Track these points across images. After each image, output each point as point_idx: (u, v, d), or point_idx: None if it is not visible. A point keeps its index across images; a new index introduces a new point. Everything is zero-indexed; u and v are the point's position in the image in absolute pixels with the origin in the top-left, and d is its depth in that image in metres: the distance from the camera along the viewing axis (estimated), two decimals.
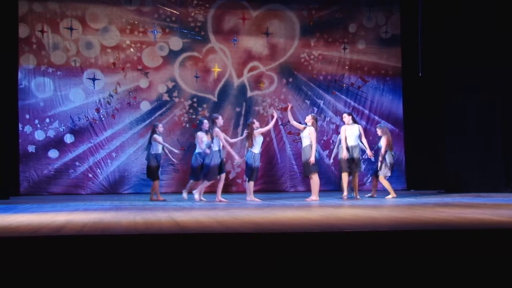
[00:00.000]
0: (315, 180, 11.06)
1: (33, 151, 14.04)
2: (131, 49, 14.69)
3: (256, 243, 5.07)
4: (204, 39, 15.09)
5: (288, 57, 15.53)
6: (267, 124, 12.15)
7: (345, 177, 11.37)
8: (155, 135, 11.65)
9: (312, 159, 10.90)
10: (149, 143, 11.76)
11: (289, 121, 11.71)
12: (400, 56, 15.69)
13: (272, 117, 11.64)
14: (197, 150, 11.41)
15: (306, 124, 11.31)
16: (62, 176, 14.15)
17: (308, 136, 11.07)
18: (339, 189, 14.25)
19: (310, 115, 11.49)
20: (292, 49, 15.54)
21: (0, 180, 12.16)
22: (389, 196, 11.43)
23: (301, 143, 11.37)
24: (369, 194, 12.12)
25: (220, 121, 10.90)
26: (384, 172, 11.49)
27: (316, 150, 11.06)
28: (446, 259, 5.04)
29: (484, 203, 9.46)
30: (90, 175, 14.32)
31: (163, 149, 11.76)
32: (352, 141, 11.39)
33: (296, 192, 13.58)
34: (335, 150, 12.15)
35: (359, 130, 11.53)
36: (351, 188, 11.53)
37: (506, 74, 12.73)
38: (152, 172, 11.72)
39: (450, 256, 5.07)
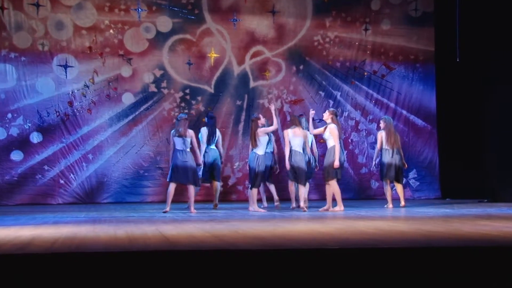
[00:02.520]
0: (333, 187, 11.17)
1: None
2: (111, 31, 14.67)
3: (261, 261, 5.06)
4: (198, 18, 15.08)
5: (299, 40, 15.51)
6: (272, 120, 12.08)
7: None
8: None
9: (336, 163, 11.01)
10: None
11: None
12: (433, 38, 15.66)
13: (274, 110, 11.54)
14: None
15: (325, 122, 11.39)
16: (27, 183, 14.13)
17: (330, 136, 11.14)
18: (359, 197, 14.28)
19: (327, 111, 11.56)
20: (303, 30, 15.52)
21: None
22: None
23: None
24: (388, 204, 12.13)
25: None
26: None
27: (341, 152, 11.18)
28: (489, 280, 5.02)
29: None
30: (62, 181, 14.31)
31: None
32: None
33: (308, 201, 13.54)
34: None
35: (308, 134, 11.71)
36: None
37: None
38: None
39: (494, 277, 5.05)
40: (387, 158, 12.03)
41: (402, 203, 12.04)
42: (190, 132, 11.09)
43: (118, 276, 4.87)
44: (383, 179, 12.19)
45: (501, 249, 5.45)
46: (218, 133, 12.32)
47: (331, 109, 11.85)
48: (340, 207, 11.20)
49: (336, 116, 11.50)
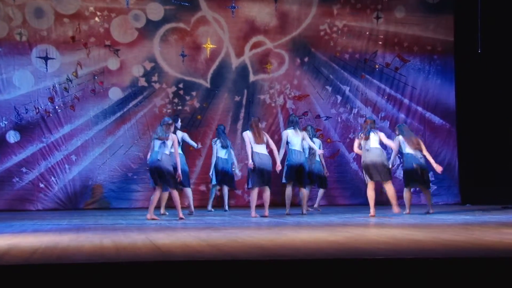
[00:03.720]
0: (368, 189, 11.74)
1: None
2: (96, 19, 14.69)
3: (261, 273, 5.06)
4: (192, 5, 15.09)
5: (303, 30, 15.53)
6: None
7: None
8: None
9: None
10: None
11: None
12: (452, 27, 15.69)
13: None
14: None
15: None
16: (3, 187, 14.15)
17: None
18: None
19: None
20: (308, 19, 15.54)
21: None
22: (402, 210, 11.83)
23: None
24: (406, 210, 12.17)
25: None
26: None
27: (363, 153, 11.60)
28: None
29: None
30: (42, 185, 14.32)
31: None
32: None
33: (320, 206, 13.56)
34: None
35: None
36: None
37: None
38: None
39: None
40: (410, 164, 12.02)
41: (431, 210, 12.04)
42: (172, 136, 11.03)
43: None
44: (407, 186, 12.18)
45: None
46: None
47: (369, 117, 12.15)
48: (371, 210, 11.49)
49: (373, 123, 11.78)
